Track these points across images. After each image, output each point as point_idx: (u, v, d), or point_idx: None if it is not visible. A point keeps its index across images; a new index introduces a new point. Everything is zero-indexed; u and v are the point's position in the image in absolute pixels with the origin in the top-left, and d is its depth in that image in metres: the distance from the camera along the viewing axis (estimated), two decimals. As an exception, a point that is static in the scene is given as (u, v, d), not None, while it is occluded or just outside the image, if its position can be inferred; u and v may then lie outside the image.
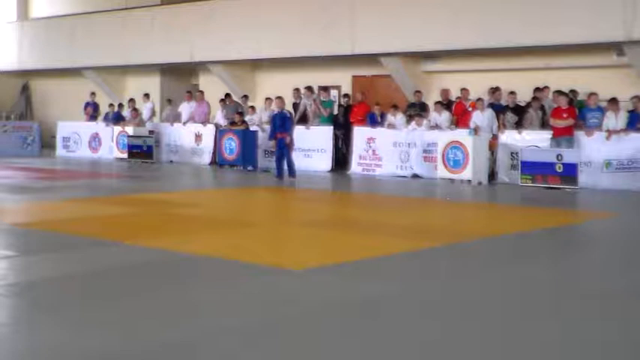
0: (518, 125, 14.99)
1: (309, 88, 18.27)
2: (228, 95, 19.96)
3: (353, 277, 6.12)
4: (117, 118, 21.42)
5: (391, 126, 16.50)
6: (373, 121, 17.17)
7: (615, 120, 13.99)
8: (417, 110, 16.67)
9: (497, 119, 15.32)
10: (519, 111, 15.28)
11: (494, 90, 16.03)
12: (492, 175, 14.92)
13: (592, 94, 14.46)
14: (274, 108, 16.03)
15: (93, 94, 23.26)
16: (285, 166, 14.94)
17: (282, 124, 14.92)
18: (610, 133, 13.73)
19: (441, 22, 17.26)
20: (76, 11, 25.46)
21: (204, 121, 19.73)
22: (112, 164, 19.57)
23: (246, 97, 19.94)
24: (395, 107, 16.98)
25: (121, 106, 22.06)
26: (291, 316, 4.91)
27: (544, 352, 4.26)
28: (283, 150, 14.95)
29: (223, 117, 19.21)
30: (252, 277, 6.07)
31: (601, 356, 4.26)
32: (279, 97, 15.69)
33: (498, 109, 15.53)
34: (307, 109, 18.08)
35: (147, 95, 21.73)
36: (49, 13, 26.97)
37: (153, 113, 21.70)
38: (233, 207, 11.50)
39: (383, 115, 17.21)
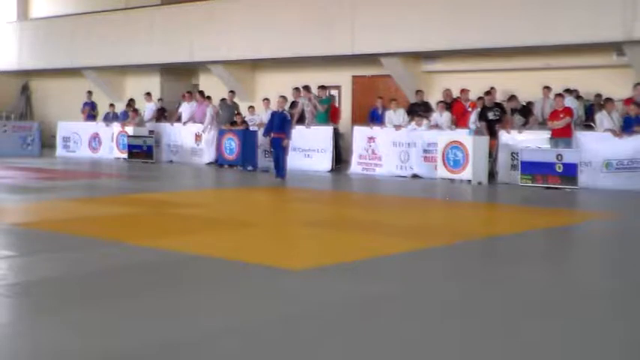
0: (525, 126, 14.97)
1: (306, 88, 18.26)
2: (223, 100, 19.90)
3: (353, 277, 6.12)
4: (115, 119, 21.47)
5: (390, 123, 16.46)
6: (375, 117, 17.15)
7: (611, 120, 14.01)
8: (421, 109, 16.64)
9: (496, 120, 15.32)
10: (526, 112, 15.25)
11: (512, 97, 15.74)
12: (492, 175, 14.91)
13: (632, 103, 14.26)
14: (276, 107, 15.90)
15: (89, 92, 23.25)
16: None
17: (280, 124, 14.85)
18: (620, 133, 13.69)
19: (441, 22, 17.26)
20: (76, 11, 25.48)
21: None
22: (112, 164, 19.57)
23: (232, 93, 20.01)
24: (394, 101, 16.97)
25: (112, 105, 22.13)
26: (291, 316, 4.91)
27: (544, 352, 4.26)
28: (278, 150, 14.90)
29: (217, 120, 19.27)
30: (252, 277, 6.07)
31: (601, 356, 4.26)
32: (283, 97, 15.59)
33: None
34: (305, 108, 18.08)
35: (149, 95, 21.67)
36: (49, 13, 26.97)
37: (155, 114, 21.59)
38: (233, 207, 11.50)
39: (385, 111, 17.20)
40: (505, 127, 15.05)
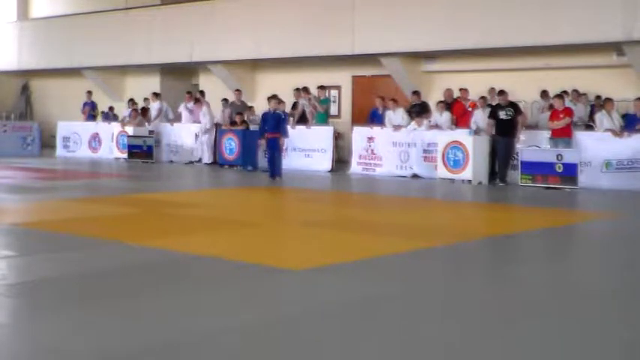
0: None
1: (305, 89, 18.24)
2: (225, 100, 19.86)
3: (353, 277, 6.12)
4: (115, 119, 21.52)
5: (390, 122, 16.42)
6: (376, 117, 17.12)
7: (611, 120, 14.02)
8: (417, 110, 16.61)
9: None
10: (515, 110, 15.15)
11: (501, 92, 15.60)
12: (496, 176, 14.84)
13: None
14: (270, 107, 15.60)
15: (89, 92, 23.26)
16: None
17: (275, 124, 14.77)
18: (620, 133, 13.68)
19: (441, 22, 17.27)
20: (76, 11, 25.49)
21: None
22: (112, 164, 19.57)
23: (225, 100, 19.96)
24: (394, 101, 16.91)
25: (112, 108, 22.17)
26: (291, 316, 4.91)
27: (544, 352, 4.26)
28: (274, 151, 14.82)
29: (227, 116, 19.22)
30: (252, 277, 6.07)
31: (601, 356, 4.26)
32: (275, 97, 15.47)
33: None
34: (305, 109, 18.07)
35: (155, 94, 21.59)
36: (49, 13, 26.99)
37: (160, 113, 21.50)
38: (233, 207, 11.49)
39: (385, 111, 17.13)
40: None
